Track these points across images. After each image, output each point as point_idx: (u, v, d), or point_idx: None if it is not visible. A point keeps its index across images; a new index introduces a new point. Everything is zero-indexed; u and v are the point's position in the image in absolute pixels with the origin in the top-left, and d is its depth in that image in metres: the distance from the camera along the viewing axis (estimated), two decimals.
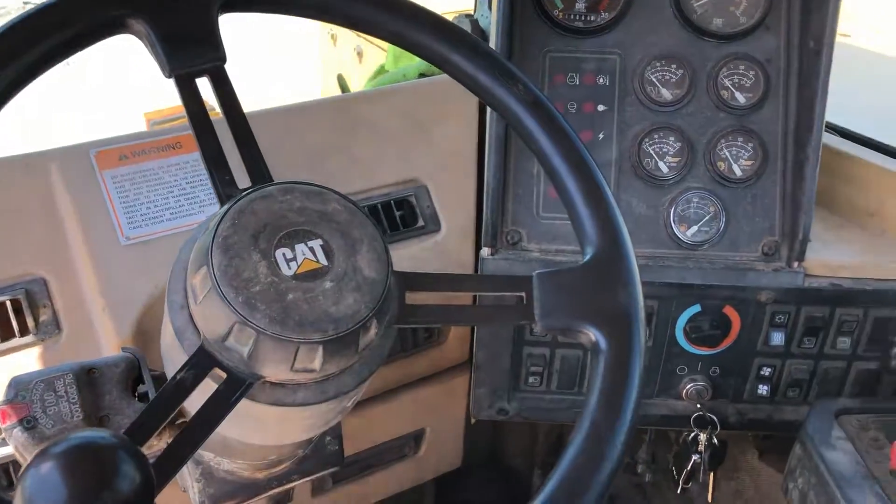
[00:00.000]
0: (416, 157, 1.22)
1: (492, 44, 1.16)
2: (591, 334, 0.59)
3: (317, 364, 0.52)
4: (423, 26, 0.82)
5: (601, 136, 1.24)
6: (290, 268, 0.53)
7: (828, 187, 1.32)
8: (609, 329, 0.59)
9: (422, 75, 1.61)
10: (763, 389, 1.29)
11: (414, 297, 0.64)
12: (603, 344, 0.59)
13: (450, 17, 1.64)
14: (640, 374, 0.58)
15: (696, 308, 1.24)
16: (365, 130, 1.31)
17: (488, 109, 1.08)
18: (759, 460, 1.49)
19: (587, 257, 0.63)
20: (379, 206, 1.28)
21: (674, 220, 1.22)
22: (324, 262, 0.54)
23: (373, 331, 0.55)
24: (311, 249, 0.55)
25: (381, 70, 1.76)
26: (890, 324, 1.24)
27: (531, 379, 1.29)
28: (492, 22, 1.17)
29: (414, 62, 1.65)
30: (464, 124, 1.15)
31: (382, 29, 0.82)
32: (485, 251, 1.13)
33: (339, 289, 0.53)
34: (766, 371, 1.28)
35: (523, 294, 0.60)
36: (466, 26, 1.55)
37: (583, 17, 1.23)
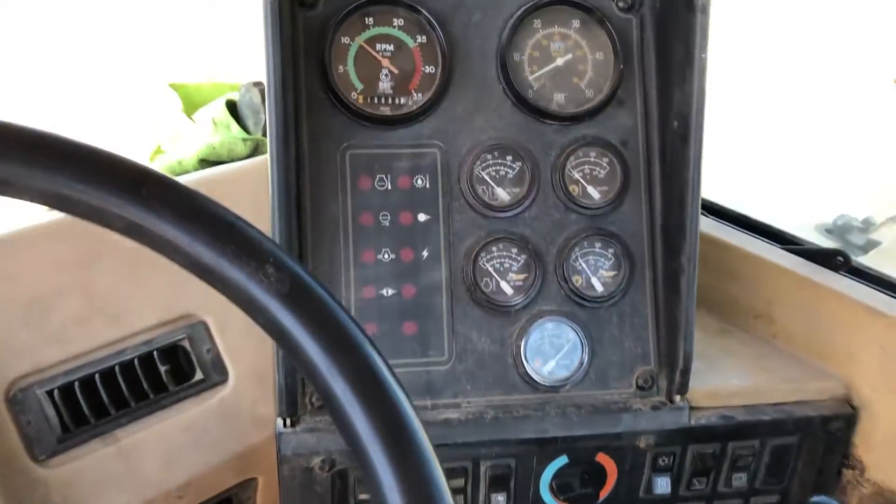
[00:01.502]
0: (190, 285, 0.86)
1: (269, 141, 0.84)
2: None
3: None
4: (91, 178, 0.50)
5: (425, 253, 0.95)
6: None
7: (705, 282, 1.07)
8: None
9: (203, 162, 1.27)
10: None
11: None
12: None
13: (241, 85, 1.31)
14: None
15: (563, 460, 0.97)
16: (112, 258, 0.96)
17: (273, 200, 0.86)
18: None
19: None
20: (136, 363, 0.95)
21: (526, 356, 0.94)
22: None
23: None
24: None
25: (158, 151, 1.41)
26: (790, 452, 1.00)
27: None
28: (267, 112, 0.85)
29: (196, 139, 1.31)
30: None
31: (35, 192, 0.50)
32: (280, 422, 0.81)
33: None
34: None
35: None
36: (255, 96, 1.22)
37: (389, 101, 0.94)
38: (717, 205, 1.17)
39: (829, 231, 1.28)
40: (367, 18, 0.96)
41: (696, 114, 0.91)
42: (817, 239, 1.24)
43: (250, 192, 0.99)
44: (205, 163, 1.28)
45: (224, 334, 0.99)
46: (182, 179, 1.18)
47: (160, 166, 1.28)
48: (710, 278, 1.11)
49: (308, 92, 0.94)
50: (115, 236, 0.98)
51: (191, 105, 1.48)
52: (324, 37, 0.93)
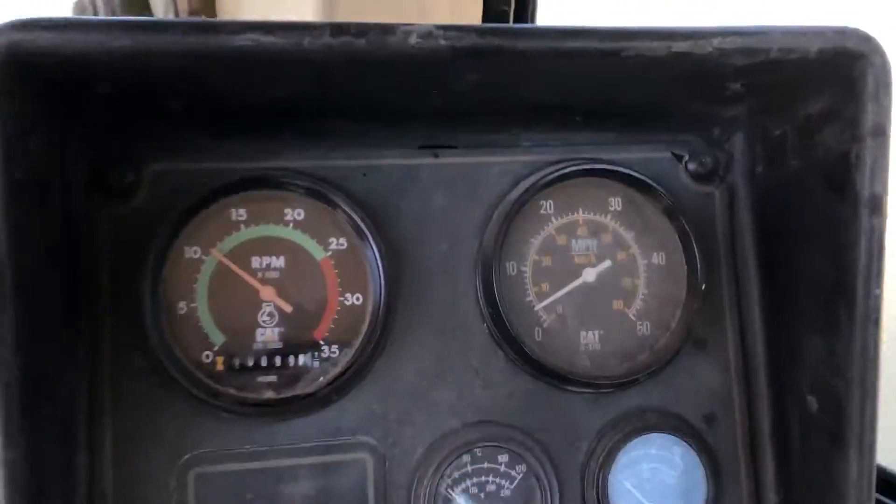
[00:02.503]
0: None
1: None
2: None
3: None
4: None
5: None
6: None
7: None
8: None
9: None
10: None
11: None
12: None
13: None
14: None
15: None
16: None
17: None
18: None
19: None
20: None
21: None
22: None
23: None
24: None
25: None
26: None
27: None
28: None
29: None
30: None
31: None
32: None
33: None
34: None
35: None
36: None
37: (276, 367, 0.49)
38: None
39: None
40: (235, 211, 0.51)
41: (862, 399, 0.47)
42: None
43: None
44: None
45: None
46: None
47: None
48: None
49: (115, 357, 0.49)
50: None
51: None
52: (146, 250, 0.48)
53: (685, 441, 0.55)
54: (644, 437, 0.54)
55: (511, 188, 0.55)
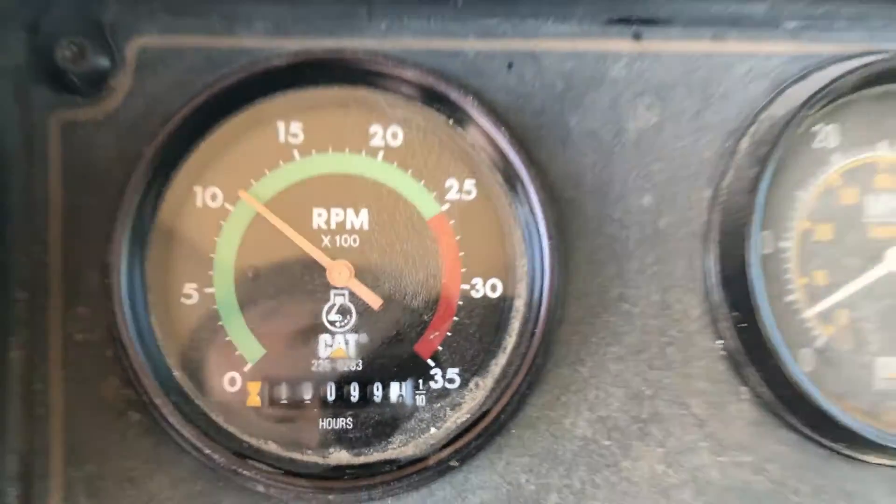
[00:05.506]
0: None
1: None
2: None
3: None
4: None
5: None
6: None
7: None
8: None
9: None
10: None
11: None
12: None
13: None
14: None
15: None
16: None
17: None
18: None
19: None
20: None
21: None
22: None
23: None
24: None
25: None
26: None
27: None
28: None
29: None
30: None
31: None
32: None
33: None
34: None
35: None
36: None
37: (341, 402, 0.33)
38: None
39: None
40: (283, 126, 0.29)
41: None
42: None
43: None
44: None
45: None
46: None
47: None
48: None
49: (68, 385, 0.28)
50: None
51: None
52: (123, 188, 0.26)
53: None
54: None
55: (767, 99, 0.31)
